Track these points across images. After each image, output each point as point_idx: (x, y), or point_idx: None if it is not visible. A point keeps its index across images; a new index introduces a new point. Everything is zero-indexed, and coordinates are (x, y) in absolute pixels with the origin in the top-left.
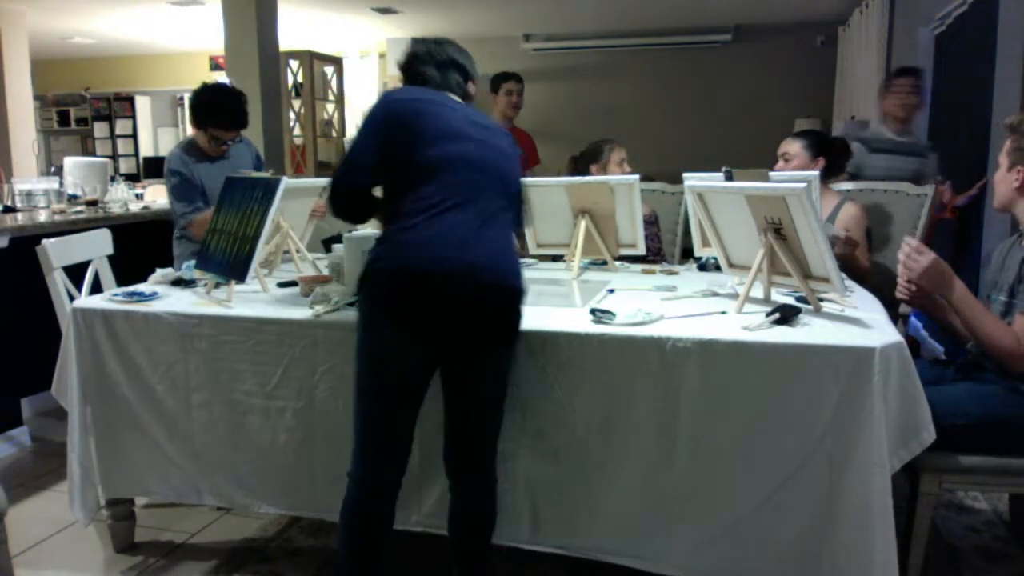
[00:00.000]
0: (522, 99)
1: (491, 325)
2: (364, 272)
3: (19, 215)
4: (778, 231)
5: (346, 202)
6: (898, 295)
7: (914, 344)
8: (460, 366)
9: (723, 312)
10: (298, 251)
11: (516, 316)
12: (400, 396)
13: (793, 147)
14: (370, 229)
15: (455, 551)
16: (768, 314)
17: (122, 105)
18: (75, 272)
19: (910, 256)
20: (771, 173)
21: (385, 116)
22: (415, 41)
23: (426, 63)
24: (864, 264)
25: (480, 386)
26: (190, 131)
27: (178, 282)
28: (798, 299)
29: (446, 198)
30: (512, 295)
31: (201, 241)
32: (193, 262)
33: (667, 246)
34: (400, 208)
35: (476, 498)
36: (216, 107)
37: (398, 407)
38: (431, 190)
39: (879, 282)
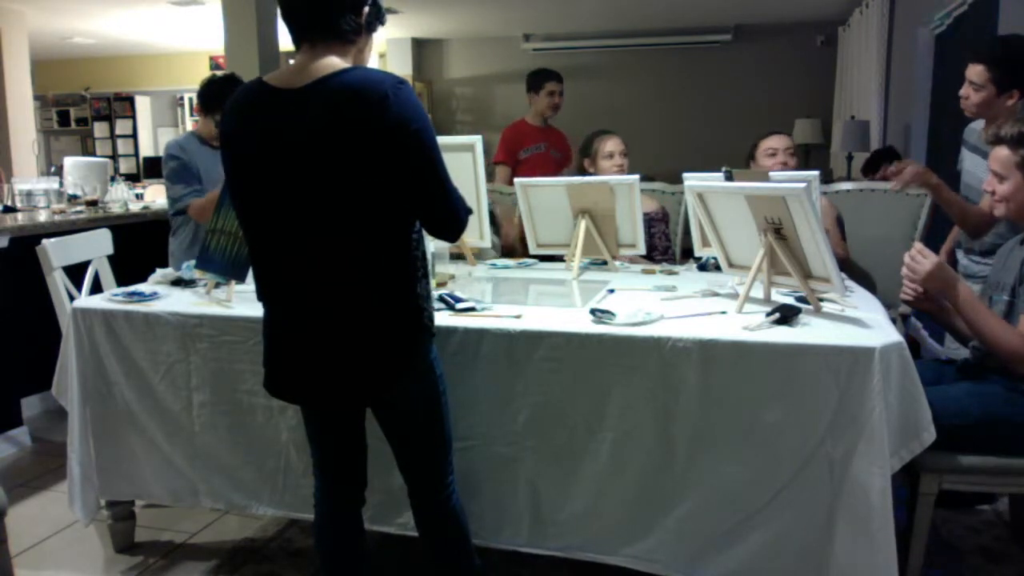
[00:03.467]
0: (562, 99)
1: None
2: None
3: (19, 215)
4: (778, 231)
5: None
6: (902, 298)
7: (914, 344)
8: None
9: (723, 312)
10: None
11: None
12: None
13: (788, 141)
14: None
15: (428, 555)
16: (768, 314)
17: (122, 105)
18: (75, 272)
19: (914, 259)
20: (771, 173)
21: None
22: None
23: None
24: (839, 251)
25: (390, 421)
26: (190, 128)
27: (178, 282)
28: (798, 299)
29: None
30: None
31: (198, 231)
32: (193, 262)
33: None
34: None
35: (428, 509)
36: (227, 94)
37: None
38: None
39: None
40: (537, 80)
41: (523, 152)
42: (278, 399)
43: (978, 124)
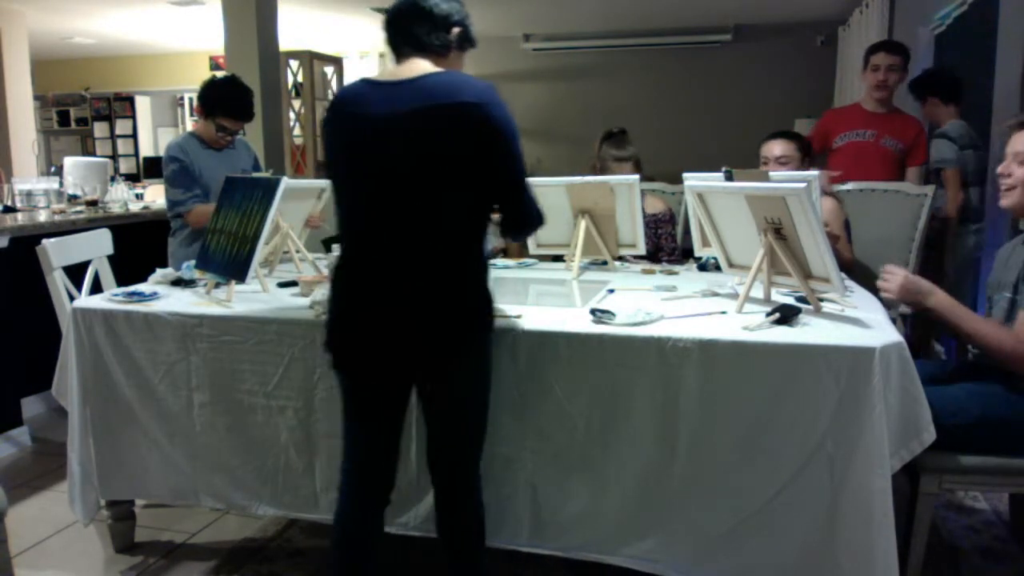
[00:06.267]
0: (896, 75)
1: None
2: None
3: (19, 215)
4: (778, 231)
5: None
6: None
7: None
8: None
9: (723, 312)
10: (298, 251)
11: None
12: None
13: (788, 149)
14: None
15: (445, 553)
16: (768, 314)
17: (122, 105)
18: (75, 272)
19: (884, 279)
20: (771, 173)
21: None
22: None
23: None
24: (846, 255)
25: (442, 403)
26: (190, 128)
27: (178, 282)
28: (798, 299)
29: None
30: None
31: (198, 232)
32: (193, 262)
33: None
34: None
35: (455, 503)
36: (228, 96)
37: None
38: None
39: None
40: (866, 53)
41: (838, 139)
42: (347, 375)
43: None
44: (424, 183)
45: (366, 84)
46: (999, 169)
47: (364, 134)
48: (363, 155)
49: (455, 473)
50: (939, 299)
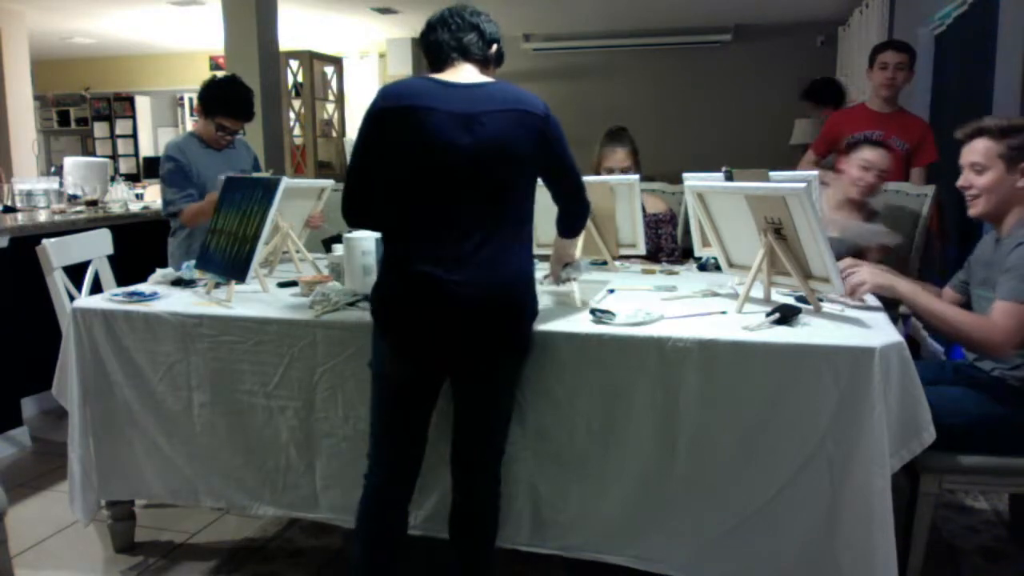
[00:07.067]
0: (903, 74)
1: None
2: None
3: (19, 215)
4: (778, 231)
5: None
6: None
7: (914, 344)
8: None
9: (723, 312)
10: (297, 251)
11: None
12: None
13: (877, 159)
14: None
15: (455, 552)
16: (768, 314)
17: (122, 105)
18: (75, 272)
19: (847, 278)
20: (772, 173)
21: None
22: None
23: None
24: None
25: (481, 393)
26: (190, 128)
27: (178, 282)
28: (798, 299)
29: None
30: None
31: (198, 231)
32: (193, 262)
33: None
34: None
35: (476, 499)
36: (228, 96)
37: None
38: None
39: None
40: (872, 53)
41: (847, 141)
42: (393, 365)
43: None
44: (494, 179)
45: (431, 81)
46: (958, 183)
47: (438, 128)
48: (434, 149)
49: (483, 467)
50: (903, 288)
